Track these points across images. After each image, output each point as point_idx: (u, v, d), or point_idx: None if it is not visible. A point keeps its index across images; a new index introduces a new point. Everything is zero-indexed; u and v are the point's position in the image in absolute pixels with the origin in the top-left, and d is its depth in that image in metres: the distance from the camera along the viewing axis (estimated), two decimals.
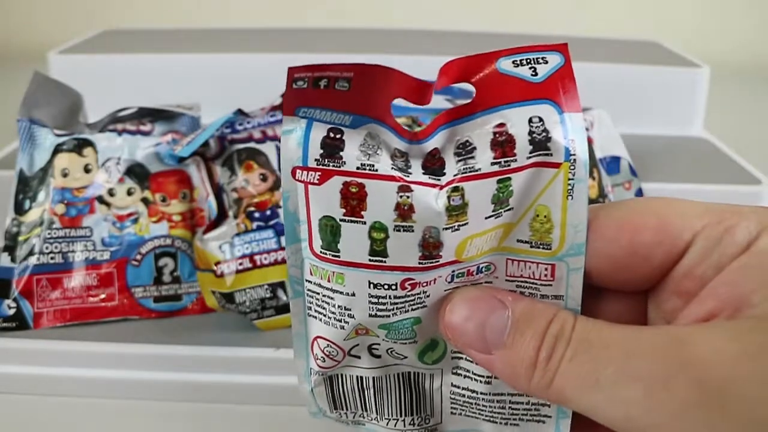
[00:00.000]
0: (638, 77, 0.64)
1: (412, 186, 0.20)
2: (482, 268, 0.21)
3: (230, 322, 0.41)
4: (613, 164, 0.49)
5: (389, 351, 0.22)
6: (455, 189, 0.20)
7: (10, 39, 1.07)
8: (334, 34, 0.76)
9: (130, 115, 0.46)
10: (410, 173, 0.20)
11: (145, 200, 0.44)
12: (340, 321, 0.22)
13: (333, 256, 0.21)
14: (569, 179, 0.20)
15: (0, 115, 0.58)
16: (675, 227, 0.20)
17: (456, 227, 0.20)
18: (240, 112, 0.44)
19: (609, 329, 0.19)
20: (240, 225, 0.41)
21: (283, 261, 0.41)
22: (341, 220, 0.20)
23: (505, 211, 0.21)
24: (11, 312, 0.41)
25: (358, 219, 0.20)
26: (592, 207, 0.21)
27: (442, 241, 0.20)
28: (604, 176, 0.48)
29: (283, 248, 0.41)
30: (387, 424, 0.24)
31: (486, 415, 0.23)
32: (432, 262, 0.20)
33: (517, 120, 0.20)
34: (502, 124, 0.20)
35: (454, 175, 0.20)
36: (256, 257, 0.41)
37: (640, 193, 0.49)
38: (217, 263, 0.40)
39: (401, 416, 0.24)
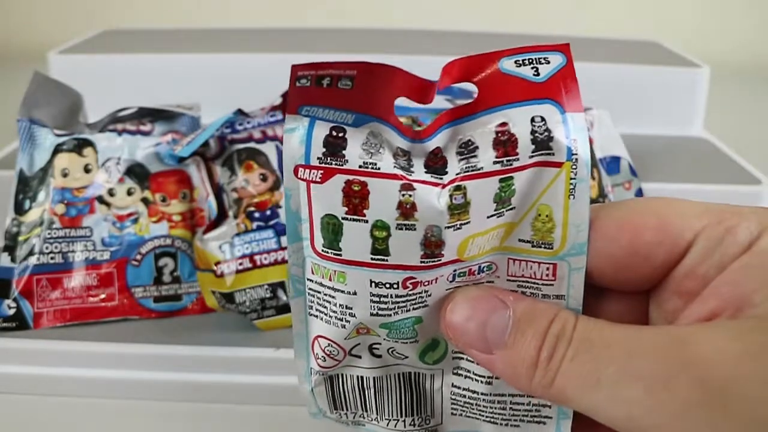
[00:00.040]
0: (638, 77, 0.64)
1: (415, 184, 0.20)
2: (484, 267, 0.21)
3: (230, 322, 0.41)
4: (613, 164, 0.49)
5: (390, 351, 0.22)
6: (457, 188, 0.20)
7: (10, 39, 1.07)
8: (334, 34, 0.76)
9: (130, 115, 0.46)
10: (412, 172, 0.20)
11: (145, 200, 0.44)
12: (341, 320, 0.22)
13: (335, 254, 0.21)
14: (571, 179, 0.20)
15: (0, 115, 0.58)
16: (675, 227, 0.20)
17: (458, 226, 0.20)
18: (240, 112, 0.44)
19: (610, 329, 0.19)
20: (240, 225, 0.41)
21: (284, 261, 0.41)
22: (343, 218, 0.20)
23: (507, 211, 0.21)
24: (11, 312, 0.41)
25: (360, 217, 0.20)
26: (593, 207, 0.21)
27: (444, 240, 0.20)
28: (604, 176, 0.48)
29: (283, 248, 0.41)
30: (387, 425, 0.24)
31: (486, 416, 0.23)
32: (434, 261, 0.20)
33: (519, 119, 0.20)
34: (504, 124, 0.20)
35: (457, 174, 0.20)
36: (256, 257, 0.41)
37: (640, 193, 0.49)
38: (217, 263, 0.40)
39: (402, 417, 0.24)
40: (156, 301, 0.43)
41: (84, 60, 0.64)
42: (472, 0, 1.06)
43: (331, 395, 0.24)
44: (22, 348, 0.39)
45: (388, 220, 0.20)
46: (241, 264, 0.40)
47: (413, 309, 0.21)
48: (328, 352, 0.22)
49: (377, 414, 0.24)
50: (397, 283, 0.21)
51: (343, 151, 0.20)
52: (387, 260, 0.20)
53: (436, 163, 0.21)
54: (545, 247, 0.21)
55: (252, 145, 0.43)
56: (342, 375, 0.23)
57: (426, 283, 0.21)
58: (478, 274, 0.21)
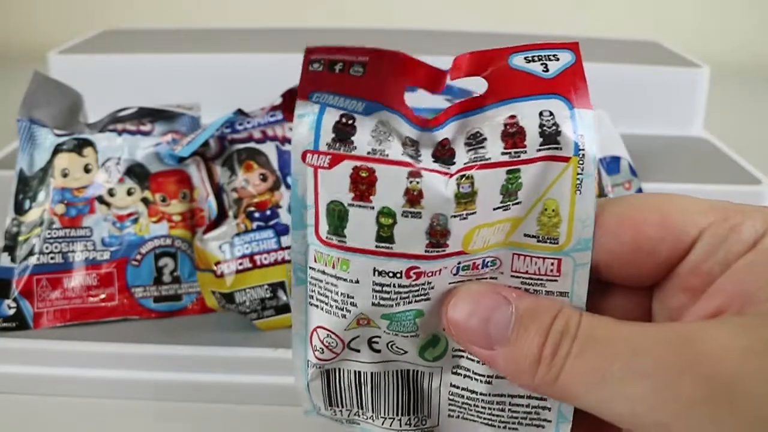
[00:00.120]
0: (638, 77, 0.64)
1: (422, 172, 0.20)
2: (488, 262, 0.21)
3: (230, 322, 0.41)
4: (613, 164, 0.49)
5: (390, 345, 0.22)
6: (465, 176, 0.20)
7: (10, 39, 1.07)
8: (334, 34, 0.76)
9: (130, 115, 0.46)
10: (420, 161, 0.20)
11: (145, 200, 0.44)
12: (342, 309, 0.21)
13: (339, 241, 0.21)
14: (578, 174, 0.20)
15: (0, 115, 0.58)
16: (678, 223, 0.20)
17: (464, 216, 0.20)
18: (240, 112, 0.44)
19: (615, 325, 0.19)
20: (240, 225, 0.41)
21: (284, 261, 0.41)
22: (349, 204, 0.20)
23: (513, 204, 0.21)
24: (11, 312, 0.41)
25: (367, 204, 0.20)
26: (598, 202, 0.21)
27: (450, 230, 0.20)
28: (604, 176, 0.48)
29: (283, 248, 0.41)
30: (383, 423, 0.24)
31: (484, 418, 0.23)
32: (438, 251, 0.20)
33: (528, 113, 0.21)
34: (513, 117, 0.21)
35: (465, 164, 0.20)
36: (256, 257, 0.41)
37: (639, 192, 0.49)
38: (217, 263, 0.40)
39: (398, 415, 0.24)
40: (156, 301, 0.43)
41: (84, 60, 0.64)
42: (472, 0, 1.06)
43: (326, 391, 0.23)
44: (22, 348, 0.39)
45: (395, 207, 0.20)
46: (241, 264, 0.40)
47: (415, 301, 0.21)
48: (326, 344, 0.22)
49: (373, 412, 0.24)
50: (401, 273, 0.21)
51: (352, 138, 0.20)
52: (391, 248, 0.20)
53: (444, 154, 0.21)
54: (551, 242, 0.21)
55: (252, 145, 0.43)
56: (339, 369, 0.23)
57: (430, 274, 0.21)
58: (482, 268, 0.21)
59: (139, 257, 0.43)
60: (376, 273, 0.21)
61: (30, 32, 1.07)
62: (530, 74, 0.21)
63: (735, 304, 0.19)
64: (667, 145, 0.61)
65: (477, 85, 0.22)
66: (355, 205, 0.20)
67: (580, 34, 0.73)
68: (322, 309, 0.22)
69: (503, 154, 0.20)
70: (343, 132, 0.20)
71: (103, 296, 0.42)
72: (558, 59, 0.21)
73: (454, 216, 0.20)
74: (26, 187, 0.43)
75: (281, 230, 0.41)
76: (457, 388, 0.23)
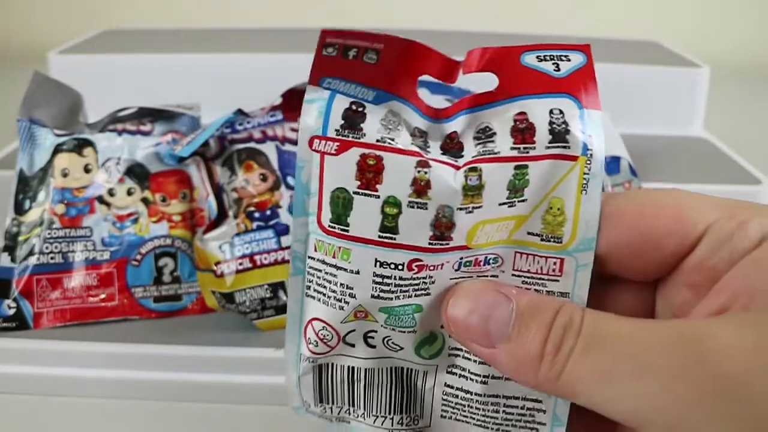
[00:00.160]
0: (638, 77, 0.64)
1: (431, 162, 0.20)
2: (490, 259, 0.21)
3: (230, 322, 0.41)
4: (613, 164, 0.49)
5: (386, 340, 0.22)
6: (473, 169, 0.20)
7: (10, 39, 1.07)
8: None
9: (130, 115, 0.46)
10: (429, 152, 0.20)
11: (145, 200, 0.44)
12: (340, 301, 0.21)
13: (341, 230, 0.20)
14: (585, 173, 0.20)
15: (0, 115, 0.58)
16: (689, 218, 0.20)
17: (470, 209, 0.20)
18: (240, 112, 0.44)
19: (620, 322, 0.19)
20: (240, 225, 0.41)
21: (284, 261, 0.41)
22: (355, 192, 0.20)
23: (518, 202, 0.21)
24: (11, 312, 0.41)
25: (372, 192, 0.20)
26: (609, 195, 0.21)
27: (455, 222, 0.20)
28: (604, 176, 0.48)
29: (283, 248, 0.41)
30: (374, 422, 0.23)
31: (478, 420, 0.23)
32: (442, 244, 0.20)
33: (537, 110, 0.21)
34: (523, 113, 0.21)
35: (473, 157, 0.20)
36: (256, 257, 0.41)
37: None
38: (217, 263, 0.40)
39: (389, 414, 0.23)
40: (156, 301, 0.43)
41: (84, 60, 0.64)
42: (472, 0, 1.06)
43: (318, 386, 0.23)
44: (22, 348, 0.39)
45: (401, 197, 0.20)
46: (241, 264, 0.40)
47: (415, 296, 0.21)
48: (321, 336, 0.22)
49: (364, 409, 0.23)
50: (403, 265, 0.20)
51: (362, 125, 0.20)
52: (395, 239, 0.20)
53: (452, 147, 0.21)
54: (554, 241, 0.21)
55: (252, 145, 0.43)
56: (332, 364, 0.23)
57: (431, 268, 0.21)
58: (484, 265, 0.21)
59: (139, 257, 0.43)
60: (378, 264, 0.20)
61: (30, 32, 1.07)
62: (542, 73, 0.21)
63: (740, 300, 0.19)
64: (667, 145, 0.61)
65: (484, 83, 0.22)
66: (361, 193, 0.20)
67: (580, 34, 0.73)
68: (319, 300, 0.22)
69: (512, 149, 0.20)
70: (353, 119, 0.20)
71: (103, 296, 0.42)
72: (570, 60, 0.21)
73: (461, 208, 0.20)
74: (26, 187, 0.43)
75: (281, 230, 0.41)
76: (452, 387, 0.23)
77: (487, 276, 0.21)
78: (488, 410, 0.22)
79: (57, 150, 0.43)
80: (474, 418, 0.23)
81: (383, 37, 0.20)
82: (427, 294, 0.21)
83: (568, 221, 0.21)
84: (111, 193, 0.43)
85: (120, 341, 0.40)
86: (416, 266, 0.20)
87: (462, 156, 0.21)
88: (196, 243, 0.41)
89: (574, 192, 0.21)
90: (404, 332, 0.22)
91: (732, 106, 0.85)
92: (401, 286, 0.21)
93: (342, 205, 0.20)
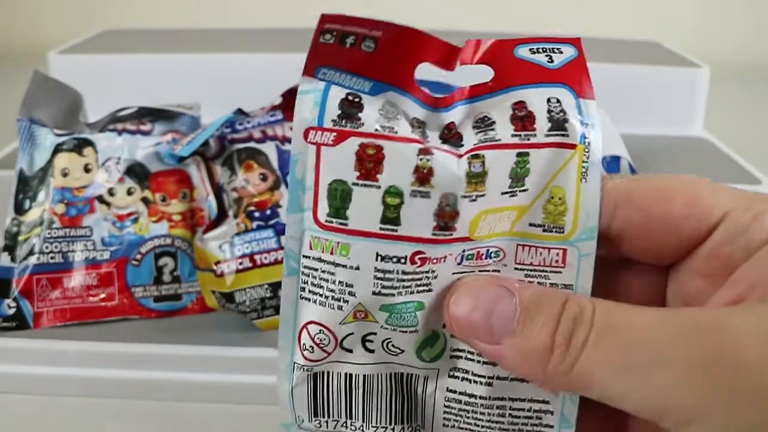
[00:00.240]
0: (638, 77, 0.64)
1: (433, 149, 0.20)
2: (492, 253, 0.21)
3: (230, 321, 0.41)
4: (613, 164, 0.49)
5: (385, 343, 0.21)
6: (476, 156, 0.20)
7: (14, 40, 1.07)
8: None
9: (130, 115, 0.46)
10: (429, 141, 0.20)
11: (145, 200, 0.44)
12: (339, 300, 0.20)
13: (340, 224, 0.20)
14: (583, 162, 0.20)
15: (0, 115, 0.58)
16: (706, 203, 0.20)
17: (473, 197, 0.20)
18: (240, 112, 0.44)
19: (633, 312, 0.19)
20: (240, 224, 0.41)
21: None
22: (354, 183, 0.20)
23: (520, 191, 0.20)
24: (11, 311, 0.41)
25: (373, 183, 0.19)
26: (627, 178, 0.21)
27: (459, 211, 0.20)
28: None
29: (283, 248, 0.41)
30: None
31: (483, 426, 0.22)
32: (446, 235, 0.20)
33: (535, 99, 0.20)
34: (521, 102, 0.21)
35: (475, 145, 0.20)
36: (256, 257, 0.41)
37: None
38: (217, 263, 0.40)
39: (390, 424, 0.22)
40: (156, 301, 0.43)
41: (84, 60, 0.64)
42: (472, 0, 1.06)
43: (312, 397, 0.22)
44: (22, 348, 0.39)
45: (403, 186, 0.19)
46: (241, 263, 0.40)
47: (417, 292, 0.20)
48: (317, 341, 0.21)
49: (363, 421, 0.22)
50: (405, 258, 0.20)
51: (359, 114, 0.20)
52: (397, 231, 0.20)
53: (451, 137, 0.21)
54: (557, 231, 0.21)
55: (252, 144, 0.43)
56: (328, 373, 0.22)
57: (434, 261, 0.20)
58: (486, 258, 0.21)
59: (139, 257, 0.43)
60: (379, 258, 0.20)
61: (33, 33, 1.07)
62: (536, 64, 0.21)
63: (757, 291, 0.19)
64: (667, 145, 0.61)
65: (479, 78, 0.22)
66: (360, 184, 0.19)
67: (580, 34, 0.73)
68: (315, 302, 0.21)
69: (513, 135, 0.20)
70: (350, 109, 0.20)
71: (103, 296, 0.42)
72: (562, 52, 0.21)
73: (464, 196, 0.20)
74: (26, 187, 0.43)
75: (281, 230, 0.41)
76: (454, 392, 0.22)
77: (488, 271, 0.21)
78: (493, 414, 0.22)
79: (57, 150, 0.43)
80: (479, 425, 0.22)
81: (382, 24, 0.20)
82: (429, 290, 0.20)
83: (569, 211, 0.20)
84: (111, 192, 0.43)
85: (120, 341, 0.40)
86: (419, 259, 0.20)
87: (462, 145, 0.20)
88: (196, 243, 0.41)
89: (575, 181, 0.20)
90: (406, 332, 0.21)
91: (732, 106, 0.85)
92: (403, 281, 0.20)
93: (340, 197, 0.20)
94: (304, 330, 0.21)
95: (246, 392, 0.39)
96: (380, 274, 0.20)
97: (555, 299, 0.19)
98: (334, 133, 0.20)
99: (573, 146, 0.20)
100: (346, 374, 0.22)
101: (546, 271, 0.21)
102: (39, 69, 0.45)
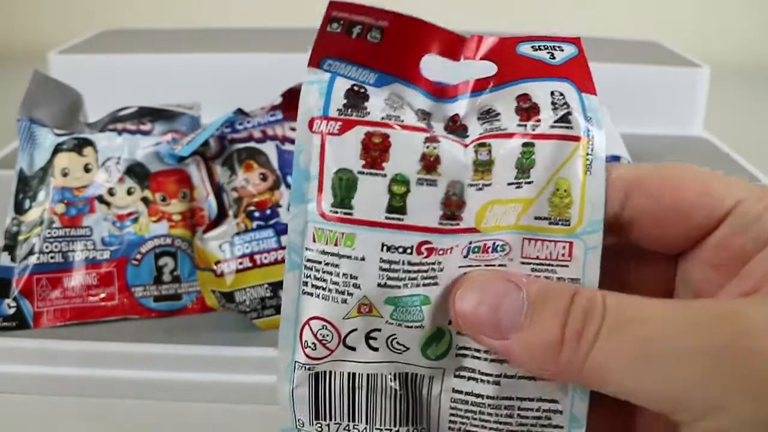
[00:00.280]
0: (638, 77, 0.64)
1: (440, 137, 0.20)
2: (498, 246, 0.20)
3: (230, 321, 0.41)
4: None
5: (390, 340, 0.21)
6: (482, 144, 0.20)
7: (14, 40, 1.07)
8: None
9: (130, 115, 0.46)
10: (434, 132, 0.20)
11: (145, 200, 0.44)
12: (343, 293, 0.20)
13: (345, 213, 0.20)
14: (588, 154, 0.20)
15: (0, 115, 0.58)
16: (717, 192, 0.20)
17: (480, 186, 0.20)
18: (240, 112, 0.44)
19: (647, 303, 0.18)
20: (240, 224, 0.41)
21: (284, 261, 0.41)
22: (359, 172, 0.19)
23: (525, 183, 0.20)
24: (11, 311, 0.41)
25: (379, 171, 0.19)
26: (638, 165, 0.21)
27: (465, 200, 0.20)
28: None
29: (283, 248, 0.41)
30: None
31: (490, 428, 0.21)
32: (452, 224, 0.20)
33: (539, 92, 0.21)
34: (525, 94, 0.21)
35: (481, 134, 0.20)
36: (256, 256, 0.41)
37: None
38: (217, 262, 0.40)
39: (395, 427, 0.21)
40: (156, 301, 0.43)
41: (84, 60, 0.64)
42: (472, 0, 1.06)
43: (314, 399, 0.21)
44: (22, 347, 0.39)
45: (409, 174, 0.19)
46: (241, 263, 0.40)
47: (423, 285, 0.20)
48: (320, 337, 0.21)
49: (367, 423, 0.21)
50: (411, 248, 0.20)
51: (365, 103, 0.20)
52: (403, 220, 0.19)
53: (455, 129, 0.21)
54: (562, 224, 0.20)
55: (252, 144, 0.43)
56: (331, 372, 0.21)
57: (441, 252, 0.20)
58: (492, 252, 0.20)
59: (139, 257, 0.43)
60: (385, 248, 0.19)
61: (33, 33, 1.07)
62: (538, 60, 0.21)
63: None
64: (667, 144, 0.61)
65: (478, 72, 0.22)
66: (366, 172, 0.19)
67: (580, 34, 0.73)
68: (318, 296, 0.20)
69: (519, 125, 0.20)
70: (356, 98, 0.20)
71: (103, 295, 0.42)
72: (563, 50, 0.21)
73: (471, 185, 0.20)
74: (26, 187, 0.43)
75: (281, 229, 0.41)
76: (461, 393, 0.21)
77: (494, 265, 0.21)
78: (501, 415, 0.21)
79: (57, 149, 0.43)
80: (486, 426, 0.21)
81: (389, 13, 0.20)
82: (435, 284, 0.20)
83: (574, 203, 0.20)
84: (111, 192, 0.43)
85: (120, 341, 0.40)
86: (425, 249, 0.20)
87: (467, 136, 0.20)
88: (196, 242, 0.41)
89: (580, 173, 0.20)
90: (411, 328, 0.20)
91: (732, 106, 0.85)
92: (409, 272, 0.20)
93: (345, 186, 0.19)
94: (306, 326, 0.21)
95: (246, 392, 0.39)
96: (386, 265, 0.20)
97: (563, 292, 0.19)
98: (340, 122, 0.20)
99: (577, 138, 0.20)
100: (349, 374, 0.21)
101: (552, 265, 0.20)
102: (39, 69, 0.45)
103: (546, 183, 0.20)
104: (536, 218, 0.20)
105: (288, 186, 0.42)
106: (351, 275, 0.20)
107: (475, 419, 0.21)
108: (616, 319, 0.18)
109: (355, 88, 0.20)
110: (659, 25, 1.05)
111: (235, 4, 1.06)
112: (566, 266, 0.20)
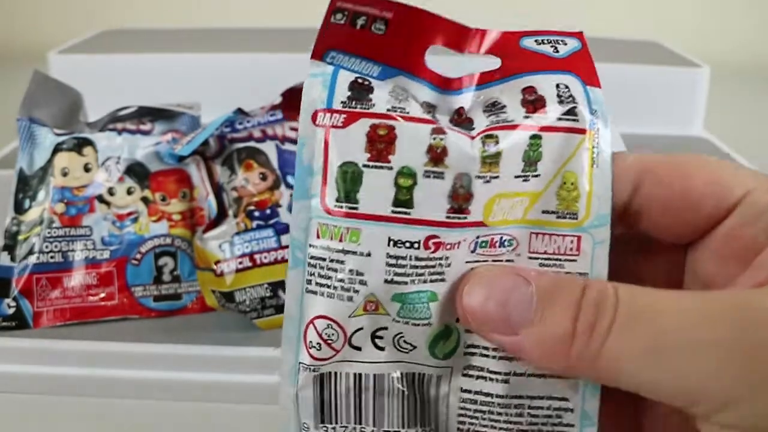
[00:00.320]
0: (638, 77, 0.64)
1: (446, 129, 0.19)
2: (505, 241, 0.20)
3: (230, 321, 0.41)
4: None
5: (397, 339, 0.20)
6: (490, 136, 0.20)
7: (14, 40, 1.07)
8: None
9: (130, 115, 0.46)
10: (440, 123, 0.20)
11: (144, 199, 0.44)
12: (349, 291, 0.19)
13: (350, 208, 0.19)
14: (594, 147, 0.20)
15: (0, 115, 0.58)
16: (726, 181, 0.20)
17: (488, 178, 0.20)
18: (240, 112, 0.44)
19: (660, 294, 0.18)
20: (240, 224, 0.41)
21: (284, 260, 0.41)
22: (364, 165, 0.19)
23: (532, 176, 0.20)
24: (11, 311, 0.41)
25: (384, 164, 0.19)
26: (648, 154, 0.21)
27: (473, 193, 0.19)
28: None
29: (283, 247, 0.41)
30: None
31: (500, 427, 0.21)
32: (460, 218, 0.19)
33: (544, 84, 0.20)
34: (530, 87, 0.20)
35: (487, 126, 0.20)
36: (256, 256, 0.41)
37: None
38: (217, 262, 0.40)
39: (403, 428, 0.21)
40: (156, 300, 0.43)
41: (84, 60, 0.64)
42: (472, 0, 1.06)
43: (319, 401, 0.21)
44: (21, 347, 0.39)
45: (416, 167, 0.19)
46: (241, 263, 0.40)
47: (430, 280, 0.20)
48: (325, 337, 0.20)
49: (374, 426, 0.21)
50: (419, 243, 0.19)
51: (370, 95, 0.19)
52: (410, 213, 0.19)
53: (461, 121, 0.20)
54: (570, 217, 0.20)
55: (252, 144, 0.43)
56: (336, 374, 0.20)
57: (448, 247, 0.19)
58: (499, 247, 0.20)
59: (138, 256, 0.43)
60: (391, 243, 0.19)
61: (33, 33, 1.07)
62: (542, 54, 0.21)
63: None
64: (667, 144, 0.61)
65: (481, 65, 0.22)
66: (371, 165, 0.19)
67: None
68: (322, 294, 0.20)
69: (526, 118, 0.20)
70: (360, 90, 0.19)
71: (102, 295, 0.42)
72: (566, 44, 0.21)
73: (479, 177, 0.19)
74: (26, 187, 0.43)
75: (281, 229, 0.41)
76: (469, 392, 0.21)
77: (502, 261, 0.20)
78: (511, 414, 0.20)
79: (57, 149, 0.43)
80: (495, 426, 0.21)
81: (393, 4, 0.20)
82: (442, 280, 0.20)
83: (582, 196, 0.20)
84: (111, 192, 0.43)
85: (120, 340, 0.40)
86: (433, 244, 0.19)
87: (473, 129, 0.20)
88: (196, 242, 0.41)
89: (586, 166, 0.20)
90: (418, 325, 0.20)
91: (732, 106, 0.85)
92: (417, 267, 0.19)
93: (350, 180, 0.19)
94: (311, 326, 0.20)
95: (246, 392, 0.39)
96: (393, 261, 0.19)
97: (573, 285, 0.19)
98: (344, 115, 0.19)
99: (583, 131, 0.20)
100: (355, 375, 0.20)
101: (561, 260, 0.20)
102: (39, 69, 0.45)
103: (553, 176, 0.20)
104: (544, 212, 0.20)
105: (288, 186, 0.42)
106: (357, 271, 0.19)
107: (484, 419, 0.21)
108: (629, 311, 0.18)
109: (359, 80, 0.20)
110: (659, 25, 1.05)
111: (235, 4, 1.06)
112: (574, 261, 0.20)
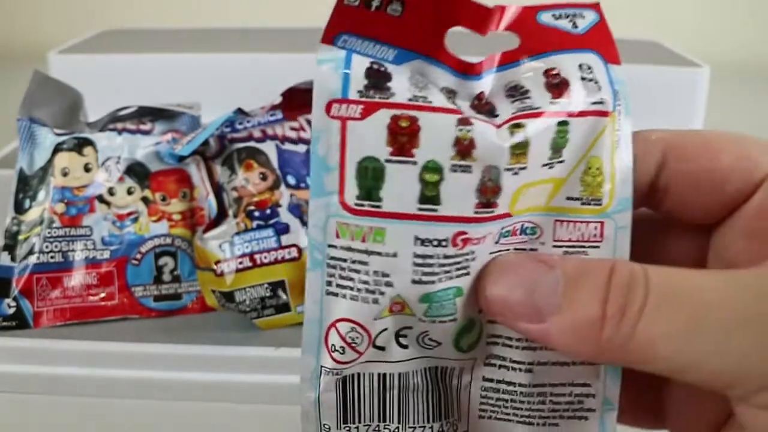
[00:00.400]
0: (638, 77, 0.64)
1: (473, 119, 0.18)
2: (527, 228, 0.19)
3: (230, 321, 0.41)
4: None
5: (421, 337, 0.19)
6: (517, 125, 0.18)
7: (14, 40, 1.07)
8: None
9: (130, 114, 0.46)
10: (464, 113, 0.19)
11: (145, 199, 0.44)
12: (374, 293, 0.18)
13: (372, 206, 0.18)
14: (616, 130, 0.19)
15: (0, 115, 0.58)
16: (753, 157, 0.19)
17: (516, 170, 0.18)
18: (240, 111, 0.44)
19: (692, 274, 0.17)
20: (240, 224, 0.41)
21: (284, 260, 0.41)
22: (387, 160, 0.18)
23: (557, 163, 0.19)
24: (11, 311, 0.41)
25: (408, 158, 0.18)
26: (675, 130, 0.20)
27: (501, 186, 0.18)
28: None
29: (283, 247, 0.41)
30: None
31: (522, 416, 0.20)
32: (488, 213, 0.18)
33: (567, 65, 0.19)
34: (553, 68, 0.19)
35: (513, 113, 0.19)
36: (256, 256, 0.41)
37: None
38: (217, 262, 0.40)
39: (428, 422, 0.20)
40: (156, 300, 0.43)
41: (84, 60, 0.64)
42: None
43: (342, 404, 0.20)
44: (22, 347, 0.39)
45: (442, 161, 0.18)
46: (241, 263, 0.40)
47: (456, 276, 0.19)
48: (349, 341, 0.19)
49: (399, 422, 0.20)
50: (446, 240, 0.18)
51: (389, 83, 0.18)
52: (437, 210, 0.18)
53: (482, 108, 0.19)
54: (595, 204, 0.19)
55: (252, 144, 0.43)
56: (359, 375, 0.20)
57: (475, 242, 0.18)
58: (521, 234, 0.19)
59: (139, 256, 0.43)
60: (419, 242, 0.18)
61: (33, 33, 1.07)
62: (561, 30, 0.20)
63: None
64: None
65: (499, 43, 0.21)
66: (394, 160, 0.18)
67: None
68: (345, 296, 0.19)
69: (552, 104, 0.19)
70: (377, 77, 0.18)
71: (103, 295, 0.42)
72: (584, 17, 0.20)
73: (508, 169, 0.18)
74: (26, 186, 0.43)
75: (281, 229, 0.41)
76: (491, 381, 0.20)
77: (525, 249, 0.19)
78: (533, 402, 0.20)
79: (57, 149, 0.43)
80: (517, 415, 0.20)
81: None
82: (467, 274, 0.19)
83: (606, 181, 0.19)
84: (111, 192, 0.43)
85: (120, 340, 0.40)
86: (461, 240, 0.18)
87: (496, 115, 0.19)
88: (196, 242, 0.41)
89: (610, 150, 0.19)
90: (444, 322, 0.19)
91: (732, 106, 0.85)
92: (445, 266, 0.18)
93: (372, 176, 0.18)
94: (332, 329, 0.19)
95: (246, 392, 0.39)
96: (420, 260, 0.18)
97: (600, 267, 0.18)
98: (362, 106, 0.18)
99: (606, 114, 0.19)
100: (379, 375, 0.20)
101: (585, 247, 0.19)
102: (39, 69, 0.45)
103: (578, 161, 0.19)
104: (568, 198, 0.19)
105: (288, 185, 0.42)
106: (382, 273, 0.18)
107: (506, 407, 0.20)
108: (662, 291, 0.17)
109: (375, 66, 0.18)
110: (659, 25, 1.05)
111: (235, 4, 1.06)
112: (598, 247, 0.19)
